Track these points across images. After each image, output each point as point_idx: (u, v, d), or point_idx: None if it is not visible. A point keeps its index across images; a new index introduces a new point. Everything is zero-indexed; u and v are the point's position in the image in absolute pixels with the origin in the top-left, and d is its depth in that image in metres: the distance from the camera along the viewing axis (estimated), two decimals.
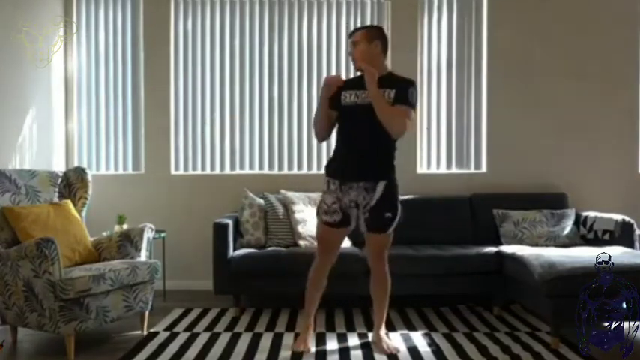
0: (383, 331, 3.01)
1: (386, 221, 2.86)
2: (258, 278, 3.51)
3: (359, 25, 4.40)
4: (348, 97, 2.82)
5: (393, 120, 2.69)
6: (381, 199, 2.82)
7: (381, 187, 2.82)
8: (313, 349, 2.91)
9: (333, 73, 4.41)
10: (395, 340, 3.07)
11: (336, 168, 2.88)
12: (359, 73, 2.86)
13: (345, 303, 3.78)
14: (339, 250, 3.01)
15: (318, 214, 2.96)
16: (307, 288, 3.02)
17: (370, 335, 3.12)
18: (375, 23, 4.40)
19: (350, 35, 2.92)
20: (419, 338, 3.10)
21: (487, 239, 3.94)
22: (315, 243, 3.70)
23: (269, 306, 3.77)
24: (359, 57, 2.83)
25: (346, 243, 3.82)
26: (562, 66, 4.35)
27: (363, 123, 2.77)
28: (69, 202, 3.37)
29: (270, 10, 4.43)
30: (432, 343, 3.01)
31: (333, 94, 2.85)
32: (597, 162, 4.35)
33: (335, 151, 2.96)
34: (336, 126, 2.93)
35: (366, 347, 2.95)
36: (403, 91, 2.76)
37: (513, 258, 3.32)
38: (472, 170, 4.44)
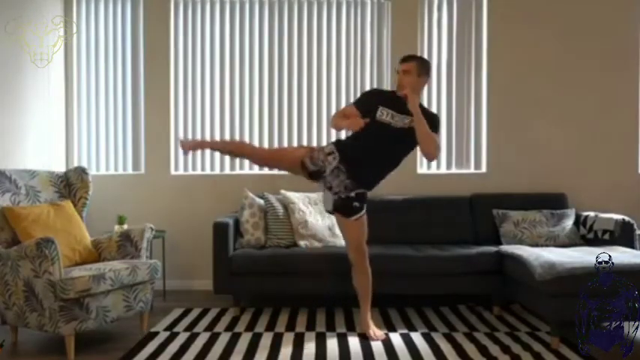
0: (369, 319, 3.17)
1: (353, 209, 3.10)
2: (258, 278, 3.51)
3: (359, 25, 4.41)
4: (385, 115, 3.04)
5: (433, 145, 2.99)
6: (352, 197, 3.09)
7: (353, 194, 3.10)
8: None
9: (333, 72, 4.42)
10: (395, 339, 3.07)
11: (351, 156, 3.05)
12: (396, 92, 3.09)
13: (345, 303, 3.78)
14: (274, 164, 3.30)
15: (306, 149, 3.18)
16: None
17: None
18: (375, 23, 4.41)
19: (403, 60, 3.11)
20: (419, 338, 3.10)
21: (487, 239, 3.95)
22: (316, 243, 3.73)
23: (269, 306, 3.77)
24: (407, 86, 3.03)
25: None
26: (562, 66, 4.35)
27: (389, 144, 3.04)
28: (69, 202, 3.37)
29: (270, 10, 4.43)
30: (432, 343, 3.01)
31: (368, 105, 3.08)
32: (597, 162, 4.35)
33: (357, 145, 3.08)
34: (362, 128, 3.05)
35: (366, 347, 2.95)
36: (435, 122, 3.10)
37: (513, 258, 3.32)
38: (472, 170, 4.44)
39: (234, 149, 3.31)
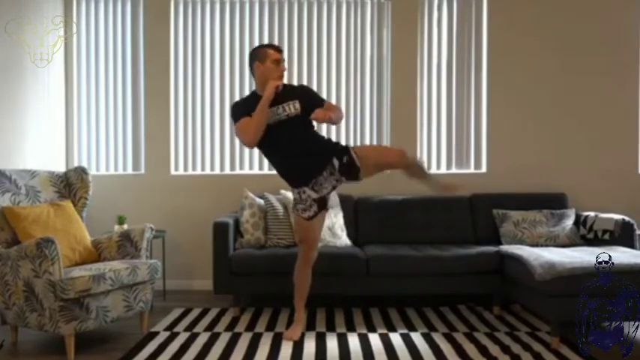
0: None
1: (354, 171, 3.01)
2: (258, 278, 3.51)
3: (359, 25, 4.41)
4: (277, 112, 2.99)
5: (339, 117, 3.02)
6: (342, 166, 2.99)
7: (336, 162, 2.99)
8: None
9: (333, 72, 4.42)
10: (395, 339, 3.07)
11: (298, 178, 3.04)
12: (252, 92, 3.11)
13: (345, 303, 3.78)
14: (319, 242, 3.21)
15: (295, 211, 3.12)
16: (296, 286, 3.17)
17: (370, 335, 3.14)
18: (375, 23, 4.42)
19: (281, 50, 3.06)
20: (419, 338, 3.10)
21: (487, 239, 3.95)
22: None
23: (269, 306, 3.77)
24: (261, 78, 3.02)
25: (346, 242, 3.83)
26: (562, 66, 4.35)
27: (292, 134, 2.98)
28: (69, 202, 3.37)
29: (270, 10, 4.43)
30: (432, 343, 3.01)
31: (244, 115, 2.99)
32: (597, 162, 4.36)
33: (282, 169, 3.08)
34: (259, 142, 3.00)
35: (366, 347, 2.95)
36: (308, 91, 3.14)
37: (513, 258, 3.32)
38: (472, 170, 4.44)
39: None
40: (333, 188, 3.07)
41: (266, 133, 2.95)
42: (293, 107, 2.98)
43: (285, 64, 3.09)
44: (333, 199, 3.91)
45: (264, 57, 3.00)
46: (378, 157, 3.06)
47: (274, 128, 2.96)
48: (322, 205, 3.07)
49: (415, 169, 3.15)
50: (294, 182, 3.07)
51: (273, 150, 3.04)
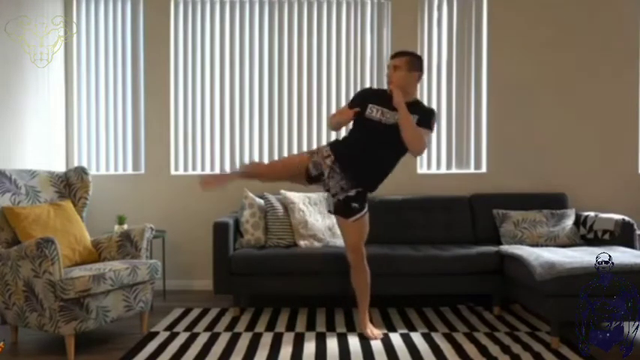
0: (367, 318, 3.19)
1: (352, 210, 3.09)
2: (258, 278, 3.51)
3: (359, 25, 4.41)
4: (375, 112, 3.06)
5: (418, 141, 2.99)
6: (349, 198, 3.08)
7: (353, 192, 3.08)
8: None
9: (333, 72, 4.42)
10: (395, 339, 3.07)
11: (343, 155, 3.07)
12: (386, 88, 3.14)
13: (345, 303, 3.78)
14: (285, 176, 3.25)
15: (308, 154, 3.16)
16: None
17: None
18: (375, 23, 4.42)
19: (394, 56, 3.12)
20: (419, 338, 3.10)
21: (487, 239, 3.95)
22: (316, 243, 3.73)
23: (269, 306, 3.77)
24: (396, 82, 3.06)
25: None
26: (562, 66, 4.35)
27: (380, 141, 3.04)
28: (69, 202, 3.37)
29: (270, 10, 4.43)
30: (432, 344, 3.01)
31: (359, 103, 3.12)
32: (597, 162, 4.36)
33: (349, 143, 3.14)
34: (352, 124, 3.17)
35: (366, 347, 2.95)
36: (428, 117, 3.07)
37: (513, 258, 3.32)
38: (472, 170, 4.44)
39: (252, 172, 3.28)
40: (328, 190, 3.12)
41: (371, 124, 3.05)
42: (394, 118, 3.04)
43: (391, 71, 3.10)
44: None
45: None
46: (349, 232, 3.16)
47: (378, 125, 3.03)
48: (317, 178, 3.10)
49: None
50: (339, 150, 3.09)
51: (360, 136, 3.09)
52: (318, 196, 3.93)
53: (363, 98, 3.13)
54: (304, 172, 3.11)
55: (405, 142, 2.98)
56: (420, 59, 3.15)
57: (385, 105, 3.05)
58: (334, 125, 3.23)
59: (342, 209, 3.10)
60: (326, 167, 3.07)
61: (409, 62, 3.07)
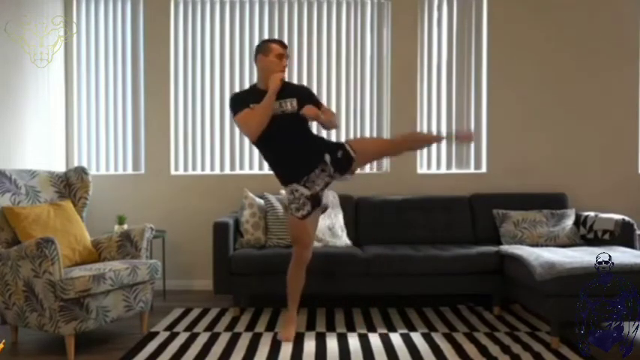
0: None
1: (346, 161, 3.06)
2: (258, 278, 3.51)
3: (359, 25, 4.42)
4: (277, 107, 3.02)
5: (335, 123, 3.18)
6: (336, 161, 3.05)
7: (327, 158, 3.04)
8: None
9: (333, 72, 4.42)
10: (395, 339, 3.07)
11: (290, 174, 3.07)
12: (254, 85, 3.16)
13: (345, 303, 3.78)
14: (313, 242, 3.21)
15: (289, 210, 3.12)
16: (289, 286, 3.17)
17: (370, 335, 3.14)
18: (375, 23, 4.42)
19: (286, 46, 3.10)
20: (419, 338, 3.10)
21: (487, 239, 3.95)
22: (316, 243, 3.72)
23: (269, 306, 3.77)
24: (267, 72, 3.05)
25: (346, 242, 3.83)
26: (562, 66, 4.35)
27: (289, 130, 3.03)
28: (69, 202, 3.37)
29: (270, 10, 4.43)
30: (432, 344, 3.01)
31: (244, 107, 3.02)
32: (597, 162, 4.36)
33: (275, 165, 3.12)
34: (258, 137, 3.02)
35: (366, 347, 2.95)
36: (306, 92, 3.17)
37: (513, 258, 3.32)
38: (472, 170, 4.44)
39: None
40: (326, 185, 3.10)
41: (275, 123, 2.98)
42: (290, 105, 3.02)
43: (287, 61, 3.10)
44: (332, 199, 3.91)
45: (268, 50, 3.04)
46: (374, 149, 3.19)
47: (270, 123, 2.98)
48: (316, 203, 3.08)
49: (412, 145, 3.31)
50: (285, 178, 3.09)
51: (266, 143, 3.05)
52: None
53: (244, 101, 3.03)
54: (309, 219, 3.07)
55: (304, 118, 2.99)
56: (257, 46, 3.13)
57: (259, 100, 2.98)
58: (257, 127, 2.96)
59: (318, 200, 3.09)
60: (300, 196, 3.03)
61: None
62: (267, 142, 3.04)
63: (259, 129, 2.96)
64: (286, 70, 3.09)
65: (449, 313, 3.62)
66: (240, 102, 3.03)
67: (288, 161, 3.06)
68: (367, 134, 4.42)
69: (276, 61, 3.02)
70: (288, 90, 3.05)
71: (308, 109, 2.95)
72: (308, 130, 3.13)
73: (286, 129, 3.01)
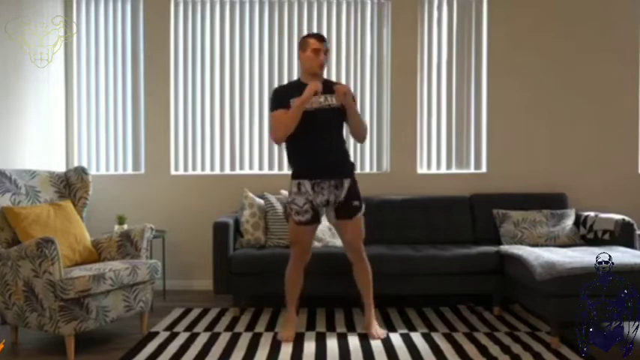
0: (372, 316, 3.16)
1: (354, 209, 3.07)
2: (258, 278, 3.51)
3: (359, 25, 4.41)
4: (312, 103, 2.99)
5: (364, 128, 3.19)
6: (348, 193, 3.04)
7: (347, 183, 3.05)
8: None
9: (334, 72, 4.42)
10: (395, 339, 3.07)
11: (307, 169, 3.03)
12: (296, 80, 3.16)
13: (345, 303, 3.78)
14: (311, 247, 3.20)
15: (288, 216, 3.12)
16: (287, 287, 3.17)
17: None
18: (375, 23, 4.42)
19: (323, 40, 3.07)
20: (419, 338, 3.10)
21: (487, 239, 3.95)
22: (316, 243, 3.72)
23: (269, 306, 3.77)
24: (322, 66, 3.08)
25: None
26: (562, 65, 4.35)
27: (326, 125, 3.03)
28: (69, 202, 3.37)
29: (270, 10, 4.43)
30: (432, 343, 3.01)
31: (284, 102, 3.01)
32: (597, 162, 4.35)
33: (297, 155, 3.08)
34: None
35: (366, 347, 2.95)
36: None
37: (513, 258, 3.32)
38: (472, 170, 4.44)
39: None
40: (327, 203, 3.04)
41: (302, 117, 2.94)
42: (335, 100, 3.02)
43: (326, 56, 3.08)
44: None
45: (305, 46, 3.05)
46: (351, 232, 3.08)
47: (312, 114, 2.97)
48: (316, 217, 3.06)
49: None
50: (301, 170, 3.04)
51: (302, 133, 2.98)
52: None
53: (283, 97, 3.02)
54: (307, 229, 3.06)
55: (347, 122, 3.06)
56: (301, 40, 3.15)
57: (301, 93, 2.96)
58: (285, 132, 2.97)
59: (344, 213, 3.04)
60: (306, 199, 3.01)
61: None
62: (303, 131, 2.97)
63: (285, 135, 2.98)
64: (324, 64, 3.07)
65: (449, 313, 3.62)
66: (278, 99, 3.03)
67: (316, 154, 3.00)
68: (367, 134, 4.41)
69: (312, 56, 3.02)
70: (330, 87, 3.03)
71: (341, 86, 2.98)
72: (343, 136, 3.12)
73: (328, 123, 3.02)
